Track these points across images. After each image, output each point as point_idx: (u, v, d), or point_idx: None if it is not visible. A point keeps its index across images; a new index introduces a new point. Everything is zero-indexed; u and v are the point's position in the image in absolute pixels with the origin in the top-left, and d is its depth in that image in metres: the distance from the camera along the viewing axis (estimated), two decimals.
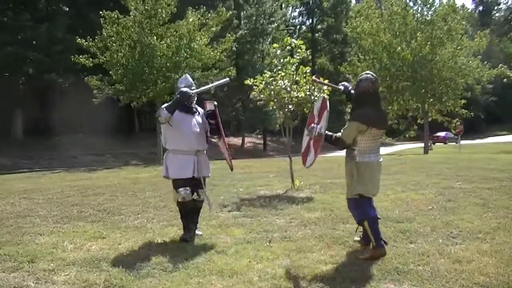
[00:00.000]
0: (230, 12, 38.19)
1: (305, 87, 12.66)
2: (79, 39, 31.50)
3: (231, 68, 37.42)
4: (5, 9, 39.63)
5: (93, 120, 42.54)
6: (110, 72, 31.22)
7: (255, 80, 13.14)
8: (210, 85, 9.42)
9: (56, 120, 37.74)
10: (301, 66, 13.06)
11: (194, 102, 8.76)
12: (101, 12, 30.91)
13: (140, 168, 24.51)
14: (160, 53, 30.20)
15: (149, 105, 35.92)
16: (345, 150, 7.38)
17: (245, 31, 55.19)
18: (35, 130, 39.56)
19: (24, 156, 35.61)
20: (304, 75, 12.84)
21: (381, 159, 7.40)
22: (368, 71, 7.66)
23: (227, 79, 9.45)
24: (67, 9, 45.40)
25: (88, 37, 31.30)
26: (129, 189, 14.74)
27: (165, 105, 8.51)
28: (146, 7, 30.48)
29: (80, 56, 31.47)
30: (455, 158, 24.45)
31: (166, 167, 8.57)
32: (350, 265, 6.35)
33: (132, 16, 30.63)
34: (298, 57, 13.18)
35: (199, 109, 8.88)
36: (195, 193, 8.50)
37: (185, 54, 30.92)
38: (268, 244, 7.59)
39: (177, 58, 30.69)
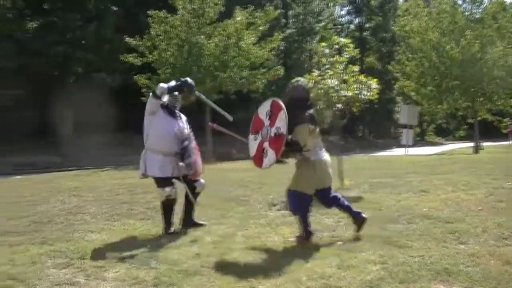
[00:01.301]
0: (278, 11, 38.18)
1: (353, 86, 12.59)
2: (127, 38, 31.76)
3: (279, 67, 37.30)
4: (55, 9, 40.07)
5: (142, 119, 42.72)
6: (158, 71, 31.39)
7: (303, 79, 13.12)
8: (210, 102, 9.57)
9: (105, 119, 38.10)
10: (350, 65, 13.00)
11: (178, 107, 9.28)
12: (149, 12, 31.13)
13: None
14: (208, 52, 30.29)
15: (197, 104, 36.09)
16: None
17: (293, 30, 55.15)
18: (84, 128, 39.95)
19: (73, 154, 35.97)
20: (353, 74, 12.78)
21: (327, 154, 8.07)
22: (298, 78, 8.79)
23: (231, 118, 9.51)
24: (116, 8, 45.68)
25: (137, 36, 31.54)
26: None
27: (168, 84, 8.96)
28: (193, 6, 30.58)
29: (129, 55, 31.75)
30: (506, 158, 24.14)
31: (145, 165, 9.00)
32: (399, 265, 6.30)
33: (179, 15, 30.76)
34: (346, 56, 13.11)
35: (182, 115, 9.36)
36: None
37: (233, 53, 30.97)
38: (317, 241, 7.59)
39: (225, 57, 30.76)
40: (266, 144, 7.85)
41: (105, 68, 39.81)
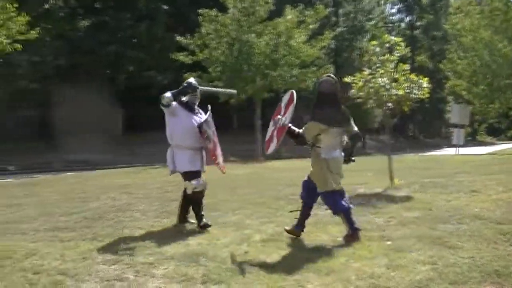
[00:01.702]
0: (328, 9, 38.10)
1: (404, 85, 12.51)
2: (178, 37, 32.01)
3: (330, 65, 37.24)
4: (106, 8, 40.54)
5: None
6: (209, 69, 31.55)
7: (354, 78, 13.07)
8: (216, 89, 9.72)
9: (156, 117, 38.32)
10: (400, 64, 12.92)
11: (197, 103, 9.50)
12: (199, 10, 31.30)
13: (238, 165, 24.67)
14: (258, 50, 30.33)
15: (247, 102, 36.14)
16: (327, 149, 7.90)
17: (343, 28, 54.94)
18: (135, 126, 40.30)
19: (124, 152, 36.35)
20: (403, 73, 12.70)
21: (342, 154, 8.07)
22: (329, 74, 8.28)
23: (234, 91, 9.74)
24: (167, 7, 46.01)
25: (187, 35, 31.74)
26: (227, 185, 14.86)
27: (172, 91, 9.11)
28: (244, 5, 30.67)
29: (179, 53, 31.96)
30: None
31: (173, 162, 9.24)
32: (449, 266, 6.23)
33: (230, 14, 30.87)
34: (397, 55, 13.04)
35: (201, 111, 9.55)
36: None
37: (284, 52, 30.98)
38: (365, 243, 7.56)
39: (276, 55, 30.77)
40: (275, 132, 8.17)
41: (156, 67, 40.12)
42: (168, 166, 9.43)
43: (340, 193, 7.99)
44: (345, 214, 7.88)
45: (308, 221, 8.68)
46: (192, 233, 8.65)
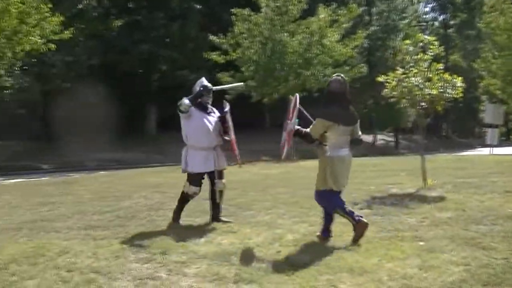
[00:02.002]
0: (361, 8, 38.00)
1: (438, 84, 12.43)
2: (211, 36, 32.10)
3: (363, 64, 37.10)
4: (140, 8, 40.79)
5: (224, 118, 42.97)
6: (242, 68, 31.60)
7: (387, 77, 13.01)
8: (226, 86, 9.93)
9: None
10: (434, 63, 12.85)
11: (210, 103, 9.83)
12: (232, 10, 31.36)
13: (271, 164, 24.67)
14: (291, 49, 30.31)
15: (280, 102, 36.13)
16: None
17: (377, 28, 54.76)
18: (168, 125, 40.48)
19: (157, 151, 36.53)
20: (437, 72, 12.62)
21: (350, 153, 8.20)
22: (338, 73, 8.60)
23: (242, 84, 10.00)
24: (199, 7, 46.18)
25: (220, 34, 31.81)
26: (260, 184, 14.89)
27: (187, 97, 9.43)
28: (277, 4, 30.66)
29: (212, 53, 32.05)
30: None
31: (186, 162, 9.56)
32: (482, 268, 6.19)
33: (263, 13, 30.88)
34: (430, 54, 12.97)
35: (215, 109, 9.85)
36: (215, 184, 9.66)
37: (317, 51, 30.91)
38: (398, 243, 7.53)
39: (309, 54, 30.71)
40: (285, 136, 8.36)
41: (188, 66, 40.25)
42: (182, 165, 9.72)
43: (338, 194, 8.10)
44: (342, 210, 7.95)
45: (341, 221, 8.69)
46: (225, 232, 8.68)
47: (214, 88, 9.92)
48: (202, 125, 9.45)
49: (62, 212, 11.61)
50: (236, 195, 12.78)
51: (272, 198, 11.85)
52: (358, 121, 8.24)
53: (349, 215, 7.88)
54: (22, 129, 34.97)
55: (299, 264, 6.67)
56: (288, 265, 6.65)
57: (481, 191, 11.73)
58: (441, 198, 11.02)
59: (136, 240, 8.19)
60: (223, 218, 9.67)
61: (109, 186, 16.55)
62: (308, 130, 8.10)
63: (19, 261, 7.17)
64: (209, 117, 9.59)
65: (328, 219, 8.11)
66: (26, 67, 30.22)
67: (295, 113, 8.06)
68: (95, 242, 8.23)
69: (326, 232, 8.07)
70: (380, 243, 7.52)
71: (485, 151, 36.45)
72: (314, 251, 7.23)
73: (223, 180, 9.79)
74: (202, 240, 8.15)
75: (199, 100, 9.59)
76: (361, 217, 7.91)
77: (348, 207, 8.08)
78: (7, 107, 37.71)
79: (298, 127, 8.18)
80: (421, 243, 7.44)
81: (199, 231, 8.83)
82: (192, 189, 9.58)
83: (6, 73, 24.38)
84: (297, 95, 8.38)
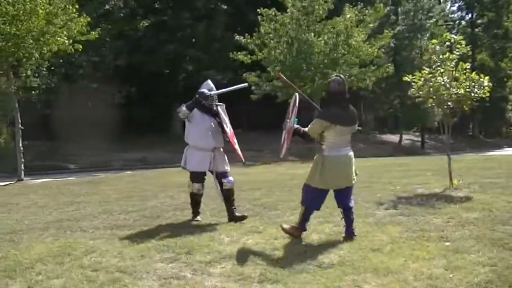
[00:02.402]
0: (388, 8, 37.86)
1: (465, 84, 12.35)
2: (237, 37, 32.12)
3: (389, 64, 36.97)
4: (165, 9, 40.93)
5: (252, 116, 43.23)
6: (268, 68, 31.60)
7: (413, 77, 12.95)
8: (228, 88, 10.07)
9: None
10: (461, 62, 12.76)
11: (215, 104, 10.03)
12: (258, 10, 31.38)
13: (297, 164, 24.65)
14: (317, 49, 30.28)
15: (303, 102, 36.08)
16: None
17: (403, 27, 54.53)
18: None
19: (182, 151, 36.57)
20: (464, 72, 12.54)
21: (350, 153, 8.21)
22: (337, 74, 8.75)
23: (246, 84, 10.29)
24: (225, 7, 46.27)
25: (246, 34, 31.84)
26: (285, 185, 14.88)
27: (186, 104, 9.83)
28: (303, 4, 30.64)
29: (238, 53, 32.09)
30: None
31: (185, 160, 10.01)
32: (509, 268, 6.13)
33: (289, 13, 30.87)
34: (457, 53, 12.89)
35: (220, 110, 10.08)
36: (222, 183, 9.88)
37: (343, 51, 30.85)
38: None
39: (335, 54, 30.66)
40: (285, 135, 8.66)
41: (214, 66, 40.31)
42: (181, 162, 10.16)
43: (320, 193, 8.21)
44: (305, 210, 8.20)
45: (366, 221, 8.68)
46: (250, 232, 8.67)
47: (214, 92, 10.08)
48: (201, 127, 9.82)
49: (88, 211, 11.68)
50: (261, 195, 12.80)
51: (297, 198, 11.74)
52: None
53: (303, 220, 8.20)
54: (48, 129, 35.16)
55: (324, 264, 6.65)
56: (313, 265, 6.63)
57: (508, 192, 11.64)
58: (468, 198, 10.95)
59: (161, 240, 8.21)
60: (237, 214, 9.88)
61: (135, 186, 16.64)
62: (306, 129, 8.30)
63: (45, 260, 7.22)
64: (210, 120, 9.91)
65: (348, 219, 8.16)
66: (53, 68, 30.40)
67: (294, 112, 8.35)
68: (120, 242, 8.26)
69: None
70: (405, 243, 7.48)
71: None
72: (339, 251, 7.21)
73: (230, 178, 9.98)
74: (227, 239, 8.16)
75: (203, 102, 9.90)
76: (305, 230, 8.23)
77: (310, 215, 8.34)
78: (34, 107, 38.03)
79: (297, 126, 8.42)
80: (447, 243, 7.40)
81: (224, 231, 8.83)
82: (195, 186, 9.92)
83: (33, 74, 24.58)
84: (297, 94, 8.66)
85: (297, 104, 8.43)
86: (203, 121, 9.84)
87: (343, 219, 8.25)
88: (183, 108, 9.74)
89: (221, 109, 10.07)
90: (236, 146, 10.13)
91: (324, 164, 8.03)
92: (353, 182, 8.29)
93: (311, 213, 8.31)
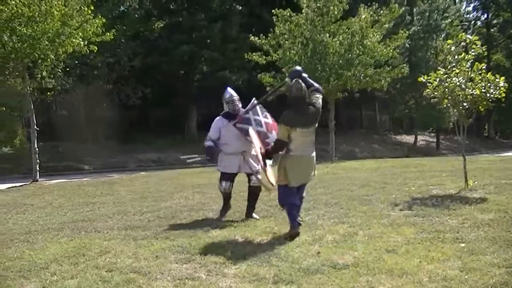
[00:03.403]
0: (403, 8, 37.73)
1: (480, 85, 12.29)
2: (252, 37, 32.08)
3: (404, 65, 36.82)
4: (181, 10, 40.98)
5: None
6: (283, 69, 31.56)
7: (428, 77, 12.90)
8: (269, 93, 10.63)
9: None
10: (476, 63, 12.71)
11: (239, 108, 10.62)
12: (273, 11, 31.35)
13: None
14: (332, 50, 30.17)
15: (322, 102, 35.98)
16: None
17: (418, 28, 54.31)
18: (208, 126, 40.61)
19: (197, 152, 36.63)
20: (480, 72, 12.49)
21: (312, 154, 8.81)
22: (296, 78, 9.08)
23: (286, 81, 10.52)
24: (240, 8, 46.30)
25: (261, 35, 31.82)
26: None
27: (209, 142, 10.55)
28: (318, 5, 30.57)
29: (253, 53, 32.07)
30: None
31: (219, 161, 10.61)
32: None
33: (304, 14, 30.82)
34: (473, 54, 12.83)
35: (250, 128, 10.25)
36: (251, 180, 10.53)
37: (358, 51, 30.74)
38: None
39: (350, 55, 30.56)
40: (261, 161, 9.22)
41: (229, 67, 40.33)
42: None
43: (291, 190, 8.69)
44: (287, 208, 8.66)
45: (381, 222, 8.68)
46: (265, 233, 8.69)
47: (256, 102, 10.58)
48: (227, 134, 10.40)
49: (103, 212, 11.74)
50: (275, 196, 12.75)
51: (312, 198, 11.80)
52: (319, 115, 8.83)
53: (292, 217, 8.50)
54: (64, 130, 35.27)
55: (339, 265, 6.65)
56: (327, 266, 6.64)
57: None
58: (483, 200, 10.90)
59: (176, 241, 8.23)
60: (254, 215, 10.40)
61: (150, 187, 16.68)
62: (275, 140, 8.95)
63: (60, 261, 7.26)
64: (232, 127, 10.34)
65: (292, 214, 8.59)
66: (68, 69, 30.51)
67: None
68: (135, 242, 8.30)
69: (295, 222, 8.50)
70: (420, 245, 7.46)
71: None
72: (354, 252, 7.20)
73: (259, 176, 10.23)
74: (242, 240, 8.19)
75: (226, 109, 10.67)
76: (300, 225, 8.58)
77: (295, 210, 8.64)
78: (50, 108, 38.20)
79: (267, 147, 9.19)
80: (462, 244, 7.37)
81: (239, 231, 8.85)
82: (223, 184, 10.50)
83: (48, 75, 24.63)
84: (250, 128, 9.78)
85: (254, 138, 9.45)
86: (228, 129, 10.37)
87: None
88: (209, 143, 10.52)
89: (250, 112, 10.42)
90: (268, 140, 10.17)
91: (286, 163, 8.61)
92: (311, 178, 9.18)
93: (295, 209, 8.64)
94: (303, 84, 8.76)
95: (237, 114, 10.45)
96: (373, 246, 7.50)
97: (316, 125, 8.83)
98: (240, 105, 10.71)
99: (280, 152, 8.76)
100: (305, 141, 8.63)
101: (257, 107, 10.52)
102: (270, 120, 10.54)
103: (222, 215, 10.53)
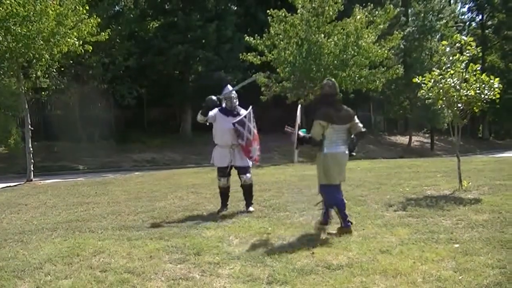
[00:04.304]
0: (398, 9, 37.75)
1: (475, 86, 12.31)
2: (247, 38, 32.10)
3: (399, 66, 36.86)
4: (176, 10, 40.90)
5: (261, 117, 43.21)
6: (278, 69, 31.58)
7: (423, 78, 12.92)
8: (240, 84, 10.71)
9: None
10: (471, 64, 12.72)
11: (235, 105, 11.18)
12: (268, 11, 31.37)
13: (307, 166, 24.60)
14: (327, 50, 30.19)
15: (316, 103, 35.98)
16: None
17: (413, 28, 54.30)
18: (203, 126, 40.58)
19: (193, 152, 36.58)
20: (474, 73, 12.51)
21: (347, 151, 8.96)
22: (328, 77, 9.71)
23: (254, 77, 11.06)
24: (236, 8, 46.30)
25: (256, 35, 31.84)
26: (295, 186, 14.87)
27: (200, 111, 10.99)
28: (313, 5, 30.61)
29: (248, 54, 32.09)
30: None
31: (212, 156, 11.28)
32: None
33: (299, 14, 30.85)
34: (467, 55, 12.85)
35: (242, 111, 11.20)
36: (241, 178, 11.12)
37: (353, 52, 30.77)
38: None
39: (344, 56, 30.58)
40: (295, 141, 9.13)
41: (224, 67, 40.32)
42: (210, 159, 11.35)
43: (336, 187, 8.92)
44: (339, 207, 8.74)
45: (376, 222, 8.71)
46: (259, 233, 8.70)
47: (225, 94, 11.16)
48: (220, 127, 10.96)
49: (97, 212, 11.74)
50: (271, 196, 12.80)
51: (307, 199, 11.81)
52: (355, 117, 9.00)
53: (342, 217, 8.65)
54: (58, 130, 35.23)
55: (333, 265, 6.67)
56: (322, 266, 6.65)
57: None
58: (477, 200, 10.92)
59: (170, 241, 8.24)
60: (250, 208, 11.02)
61: (144, 187, 16.66)
62: (310, 134, 8.90)
63: (54, 261, 7.26)
64: (230, 119, 10.88)
65: (342, 213, 8.73)
66: (63, 69, 30.45)
67: (298, 121, 9.04)
68: (129, 243, 8.30)
69: (346, 222, 8.66)
70: (414, 245, 7.48)
71: None
72: (348, 253, 7.22)
73: (248, 175, 11.10)
74: (236, 241, 8.20)
75: (224, 105, 11.21)
76: (351, 223, 8.71)
77: (345, 208, 8.80)
78: (44, 108, 38.14)
79: (304, 134, 9.03)
80: (456, 245, 7.39)
81: (233, 232, 8.86)
82: (221, 180, 11.12)
83: (43, 75, 24.61)
84: (300, 106, 10.02)
85: (299, 115, 9.25)
86: (224, 121, 10.89)
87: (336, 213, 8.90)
88: (199, 116, 10.99)
89: (247, 117, 10.99)
90: (251, 148, 11.04)
91: (324, 161, 8.80)
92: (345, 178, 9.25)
93: (344, 207, 8.79)
94: (334, 81, 9.14)
95: (233, 111, 11.05)
96: (367, 247, 7.51)
97: (349, 125, 8.98)
98: (237, 103, 11.25)
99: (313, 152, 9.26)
100: (338, 137, 8.85)
101: (252, 114, 11.06)
102: (255, 130, 11.11)
103: (220, 211, 11.03)
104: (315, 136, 8.76)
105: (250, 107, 11.17)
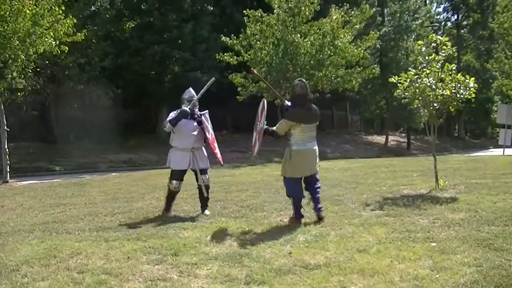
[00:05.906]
0: (374, 9, 37.90)
1: (450, 85, 12.39)
2: (223, 38, 32.10)
3: (375, 65, 37.01)
4: (152, 10, 40.73)
5: (237, 117, 43.26)
6: (254, 69, 31.61)
7: (399, 78, 12.97)
8: (202, 90, 10.63)
9: None
10: (447, 64, 12.80)
11: (196, 109, 11.18)
12: (245, 11, 31.38)
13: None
14: (304, 50, 30.25)
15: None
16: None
17: (389, 28, 54.47)
18: None
19: (168, 152, 36.52)
20: (450, 73, 12.58)
21: (314, 147, 9.61)
22: (300, 78, 10.31)
23: (213, 79, 11.17)
24: (212, 8, 46.27)
25: (232, 35, 31.84)
26: (272, 186, 14.88)
27: (169, 118, 10.80)
28: (289, 5, 30.66)
29: (225, 54, 32.08)
30: None
31: (169, 159, 11.09)
32: (495, 269, 6.17)
33: (275, 14, 30.88)
34: (443, 54, 12.92)
35: (203, 118, 11.11)
36: (200, 179, 10.98)
37: (329, 52, 30.84)
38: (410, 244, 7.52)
39: (321, 55, 30.65)
40: (257, 136, 9.90)
41: (200, 67, 40.27)
42: (167, 162, 11.18)
43: (295, 181, 9.54)
44: (294, 199, 9.45)
45: (353, 222, 8.76)
46: (236, 233, 8.70)
47: (191, 104, 11.15)
48: (182, 130, 10.79)
49: (74, 213, 11.67)
50: (248, 197, 12.81)
51: (284, 199, 11.81)
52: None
53: (296, 208, 9.42)
54: (34, 131, 35.09)
55: (310, 265, 6.69)
56: (299, 266, 6.67)
57: (493, 192, 11.70)
58: (454, 199, 10.99)
59: (147, 242, 8.22)
60: (206, 212, 10.88)
61: (121, 188, 16.60)
62: (274, 128, 9.59)
63: (31, 263, 7.22)
64: (190, 123, 10.88)
65: (315, 198, 9.60)
66: (39, 69, 30.27)
67: (263, 115, 9.64)
68: (107, 244, 8.26)
69: (298, 213, 9.46)
70: (392, 244, 7.52)
71: (497, 152, 36.28)
72: (325, 252, 7.24)
73: (207, 176, 11.10)
74: (214, 241, 8.19)
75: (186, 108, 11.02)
76: (302, 216, 9.46)
77: (300, 201, 9.50)
78: (20, 109, 37.90)
79: (267, 126, 9.65)
80: (433, 244, 7.43)
81: (210, 232, 8.85)
82: (173, 183, 10.93)
83: (19, 75, 24.44)
84: (264, 100, 10.01)
85: (265, 108, 9.76)
86: (185, 124, 10.79)
87: (311, 201, 9.69)
88: (168, 124, 10.71)
89: (205, 117, 11.10)
90: (216, 151, 11.27)
91: (291, 156, 9.40)
92: (317, 169, 9.80)
93: (300, 201, 9.46)
94: (305, 82, 9.58)
95: (194, 114, 11.02)
96: (344, 246, 7.53)
97: (317, 123, 9.70)
98: (197, 106, 11.29)
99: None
100: (307, 135, 9.44)
101: (207, 116, 11.23)
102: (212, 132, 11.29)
103: (166, 215, 10.96)
104: (279, 131, 9.48)
105: (206, 110, 11.32)
